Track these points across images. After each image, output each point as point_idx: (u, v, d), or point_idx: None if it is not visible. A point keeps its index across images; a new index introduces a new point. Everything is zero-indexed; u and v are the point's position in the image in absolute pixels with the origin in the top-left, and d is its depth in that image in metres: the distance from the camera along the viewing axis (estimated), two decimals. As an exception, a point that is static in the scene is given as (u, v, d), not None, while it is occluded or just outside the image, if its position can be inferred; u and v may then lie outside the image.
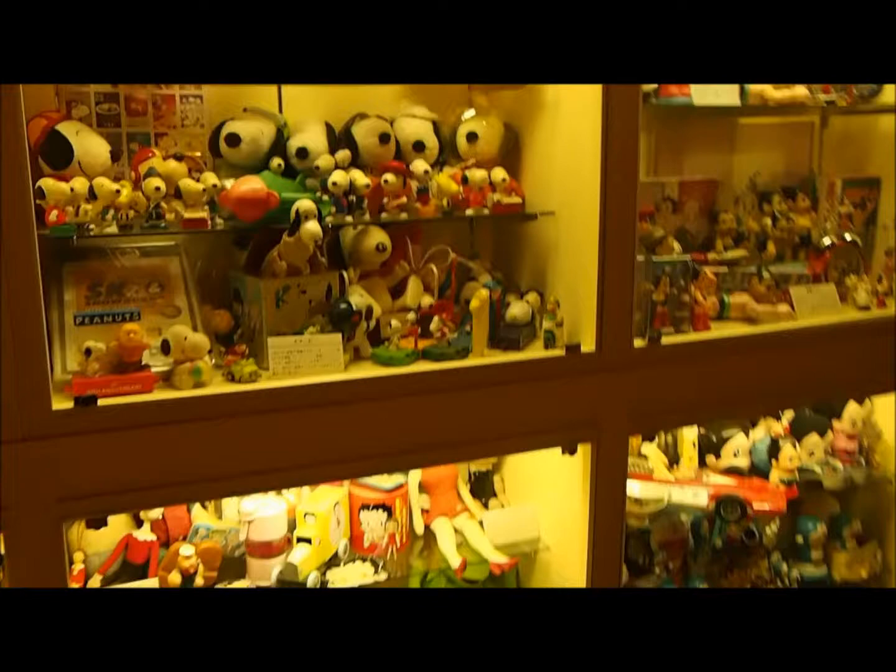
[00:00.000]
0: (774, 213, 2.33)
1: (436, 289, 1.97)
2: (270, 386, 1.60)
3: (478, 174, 1.89)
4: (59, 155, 1.59)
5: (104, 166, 1.64)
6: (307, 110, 1.93)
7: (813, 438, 2.42)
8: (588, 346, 1.85)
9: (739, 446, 2.39)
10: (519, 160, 2.08)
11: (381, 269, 1.90)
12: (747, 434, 2.43)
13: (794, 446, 2.34)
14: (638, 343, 1.89)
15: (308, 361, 1.64)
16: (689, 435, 2.40)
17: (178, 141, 1.83)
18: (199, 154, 1.80)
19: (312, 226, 1.65)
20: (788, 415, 2.49)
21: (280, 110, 1.91)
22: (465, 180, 1.88)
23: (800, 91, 2.22)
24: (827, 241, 2.34)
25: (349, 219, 1.77)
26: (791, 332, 2.09)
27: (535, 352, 1.86)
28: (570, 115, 1.87)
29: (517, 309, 1.91)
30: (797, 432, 2.45)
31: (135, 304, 1.68)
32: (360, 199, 1.77)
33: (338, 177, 1.74)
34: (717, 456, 2.39)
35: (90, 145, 1.63)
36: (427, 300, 1.89)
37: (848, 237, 2.36)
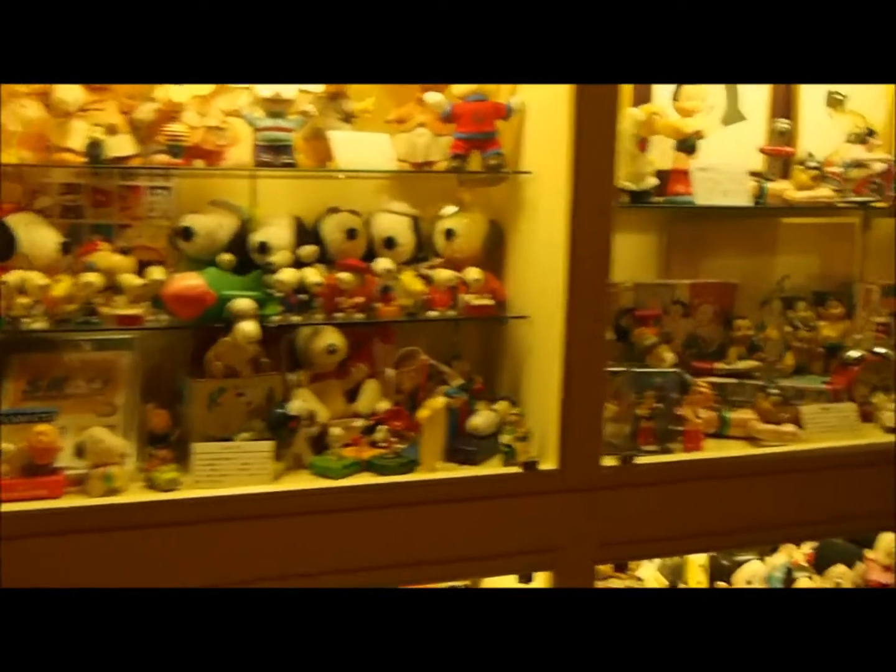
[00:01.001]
0: (793, 322, 2.12)
1: (407, 393, 1.86)
2: (189, 495, 1.52)
3: (443, 274, 1.79)
4: (2, 247, 1.60)
5: (50, 258, 1.63)
6: (281, 204, 1.89)
7: (839, 569, 2.15)
8: (550, 463, 1.69)
9: (754, 574, 2.16)
10: (503, 259, 1.97)
11: (337, 370, 1.82)
12: (763, 559, 2.19)
13: (811, 578, 2.08)
14: (608, 462, 1.72)
15: (234, 470, 1.56)
16: (698, 557, 2.18)
17: (143, 233, 1.82)
18: (161, 246, 1.79)
19: (247, 326, 1.58)
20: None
21: (253, 204, 1.88)
22: (428, 280, 1.79)
23: (823, 192, 2.04)
24: (855, 353, 2.11)
25: (296, 318, 1.69)
26: (797, 455, 1.87)
27: (492, 467, 1.71)
28: (547, 212, 1.76)
29: (480, 419, 1.78)
30: (822, 561, 2.19)
31: (73, 400, 1.64)
32: (311, 297, 1.70)
33: (285, 274, 1.68)
34: (728, 583, 2.15)
35: (38, 237, 1.63)
36: (384, 405, 1.78)
37: (881, 350, 2.12)
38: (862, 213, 2.37)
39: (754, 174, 2.08)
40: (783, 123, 2.08)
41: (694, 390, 1.87)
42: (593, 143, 1.62)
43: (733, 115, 2.21)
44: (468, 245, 1.91)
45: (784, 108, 2.25)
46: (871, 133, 2.12)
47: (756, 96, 2.22)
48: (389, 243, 1.86)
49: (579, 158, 1.62)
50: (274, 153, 1.66)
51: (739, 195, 1.96)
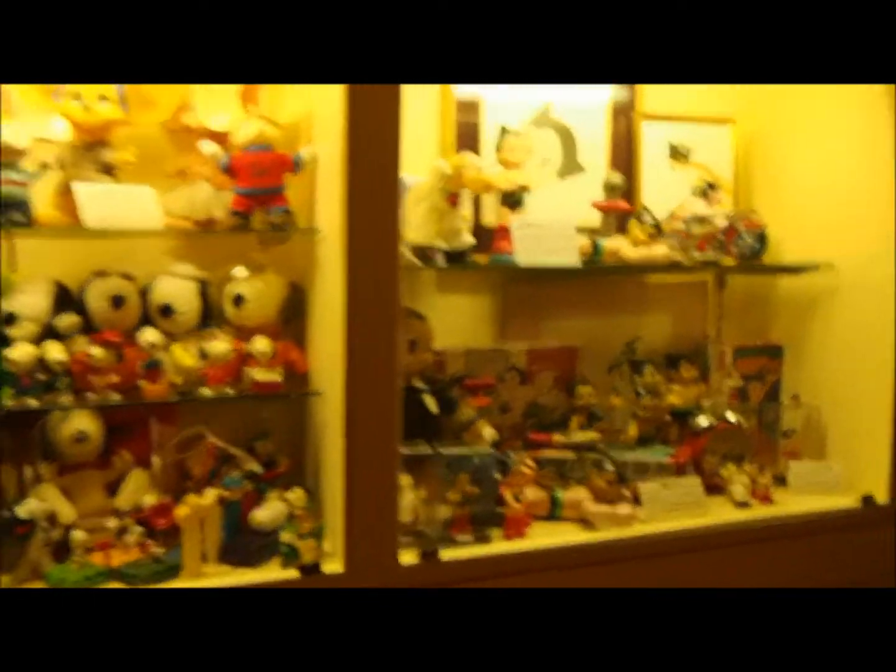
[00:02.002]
0: (636, 388, 1.95)
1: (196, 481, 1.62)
2: None
3: (218, 347, 1.57)
4: None
5: None
6: (46, 267, 1.66)
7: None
8: (336, 564, 1.46)
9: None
10: (305, 326, 1.76)
11: (98, 460, 1.56)
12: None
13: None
14: (406, 559, 1.49)
15: (-62, 587, 1.29)
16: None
17: None
18: None
19: (-40, 414, 1.33)
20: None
21: (11, 266, 1.64)
22: (203, 355, 1.57)
23: (659, 250, 1.88)
24: (703, 422, 1.93)
25: (34, 402, 1.45)
26: (633, 542, 1.67)
27: (271, 571, 1.47)
28: (332, 274, 1.55)
29: (265, 512, 1.55)
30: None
31: None
32: (55, 377, 1.46)
33: (17, 351, 1.43)
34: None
35: None
36: (150, 500, 1.53)
37: (731, 417, 1.95)
38: (715, 271, 2.23)
39: (589, 231, 1.92)
40: (614, 177, 1.93)
41: (514, 470, 1.66)
42: (370, 196, 1.42)
43: (570, 167, 2.06)
44: (261, 311, 1.70)
45: (626, 159, 2.11)
46: (711, 187, 1.98)
47: (595, 147, 2.08)
48: (166, 311, 1.64)
49: (354, 214, 1.42)
50: (3, 209, 1.44)
51: (566, 253, 1.78)
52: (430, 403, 1.83)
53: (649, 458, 1.84)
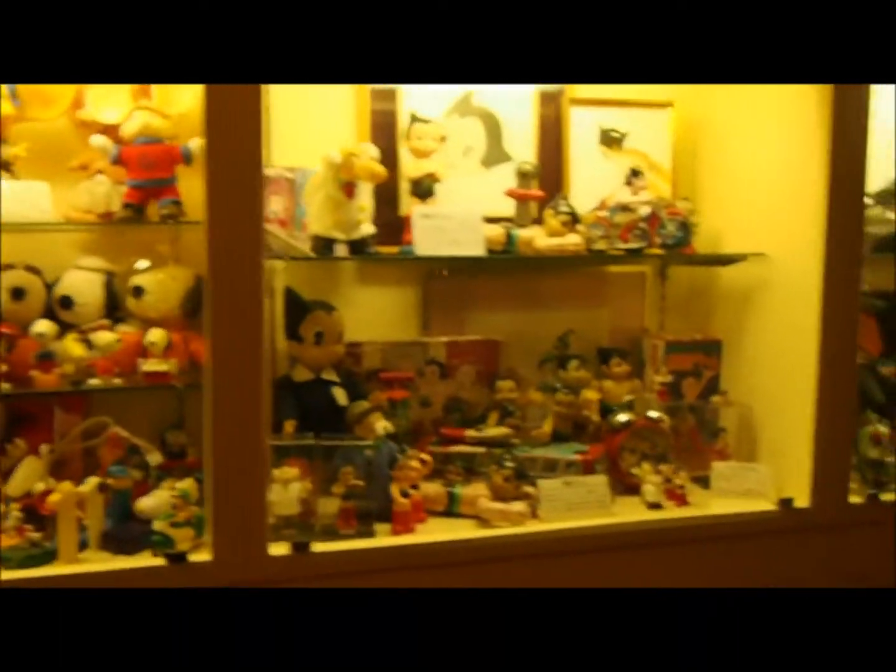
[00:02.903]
0: (553, 384, 1.90)
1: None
2: None
3: (104, 338, 1.59)
4: None
5: None
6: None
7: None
8: (205, 556, 1.47)
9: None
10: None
11: (-8, 448, 1.61)
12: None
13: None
14: (276, 551, 1.49)
15: None
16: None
17: None
18: None
19: None
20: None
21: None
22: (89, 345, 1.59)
23: (572, 240, 1.83)
24: (622, 418, 1.88)
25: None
26: (527, 540, 1.64)
27: (144, 559, 1.49)
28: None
29: (149, 501, 1.57)
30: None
31: None
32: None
33: None
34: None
35: None
36: (40, 487, 1.57)
37: (654, 414, 1.89)
38: (658, 262, 2.16)
39: (503, 220, 1.88)
40: (526, 164, 1.88)
41: (401, 465, 1.64)
42: (230, 187, 1.42)
43: (496, 156, 2.02)
44: (162, 303, 1.72)
45: (555, 146, 2.06)
46: (635, 174, 1.92)
47: (523, 134, 2.03)
48: (65, 302, 1.68)
49: (214, 205, 1.42)
50: None
51: (470, 244, 1.75)
52: (340, 396, 1.83)
53: (559, 455, 1.80)
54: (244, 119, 1.41)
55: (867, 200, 2.21)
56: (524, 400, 1.94)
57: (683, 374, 2.04)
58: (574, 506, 1.70)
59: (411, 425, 1.93)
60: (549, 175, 2.03)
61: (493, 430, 1.86)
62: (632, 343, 2.12)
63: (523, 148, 2.03)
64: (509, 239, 1.84)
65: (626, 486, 1.85)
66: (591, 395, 1.90)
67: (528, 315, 2.09)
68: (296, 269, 1.93)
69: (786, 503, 1.76)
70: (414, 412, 1.95)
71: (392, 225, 1.89)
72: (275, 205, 1.86)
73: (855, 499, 1.80)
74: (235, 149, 1.41)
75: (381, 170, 1.66)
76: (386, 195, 1.90)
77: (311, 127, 1.91)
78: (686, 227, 1.87)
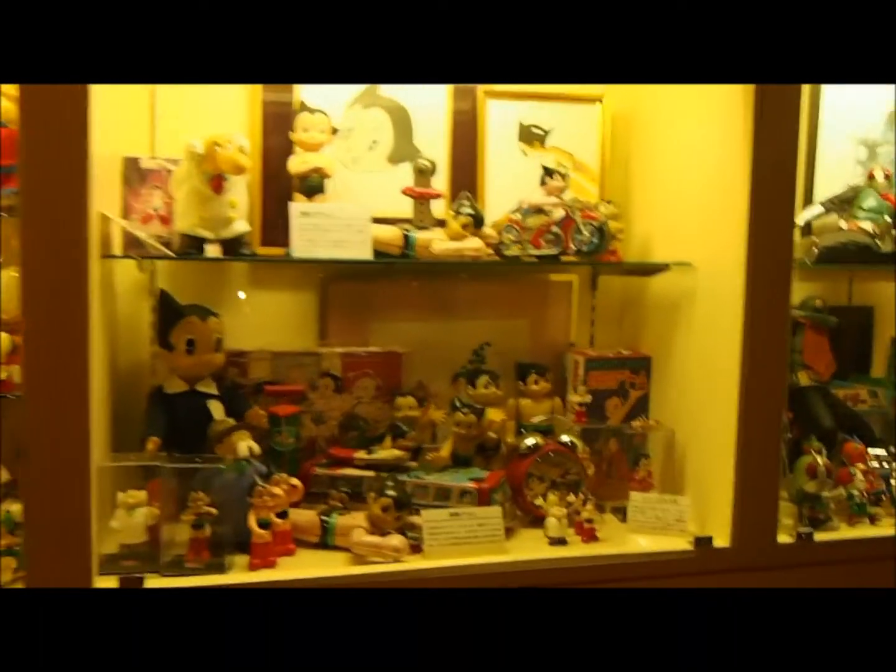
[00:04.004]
0: (454, 402, 1.72)
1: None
2: None
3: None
4: None
5: None
6: None
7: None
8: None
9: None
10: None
11: None
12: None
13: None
14: (103, 585, 1.32)
15: None
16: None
17: None
18: None
19: None
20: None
21: None
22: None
23: (472, 244, 1.65)
24: (530, 441, 1.69)
25: None
26: (403, 579, 1.45)
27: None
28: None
29: (-29, 526, 1.40)
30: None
31: None
32: None
33: None
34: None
35: None
36: None
37: (565, 438, 1.70)
38: (590, 271, 1.98)
39: (402, 221, 1.70)
40: (423, 160, 1.70)
41: (258, 491, 1.46)
42: (57, 174, 1.25)
43: (404, 151, 1.85)
44: (9, 303, 1.55)
45: (469, 142, 1.88)
46: (550, 173, 1.73)
47: (435, 129, 1.86)
48: None
49: (33, 193, 1.25)
50: None
51: (354, 246, 1.58)
52: (216, 410, 1.65)
53: (452, 483, 1.61)
54: (67, 107, 1.25)
55: (820, 208, 2.03)
56: (426, 419, 1.76)
57: (607, 393, 1.85)
58: (461, 540, 1.51)
59: (305, 443, 1.76)
60: (462, 174, 1.86)
61: (384, 453, 1.68)
62: (557, 358, 1.93)
63: (435, 144, 1.85)
64: (407, 241, 1.66)
65: (535, 518, 1.66)
66: (494, 415, 1.72)
67: (443, 325, 1.91)
68: (181, 270, 1.78)
69: (703, 542, 1.56)
70: (307, 429, 1.77)
71: (285, 224, 1.72)
72: (156, 199, 1.72)
73: (785, 538, 1.59)
74: (55, 137, 1.24)
75: (245, 162, 1.49)
76: (278, 192, 1.74)
77: (201, 117, 1.75)
78: (602, 233, 1.68)
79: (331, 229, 1.57)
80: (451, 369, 1.86)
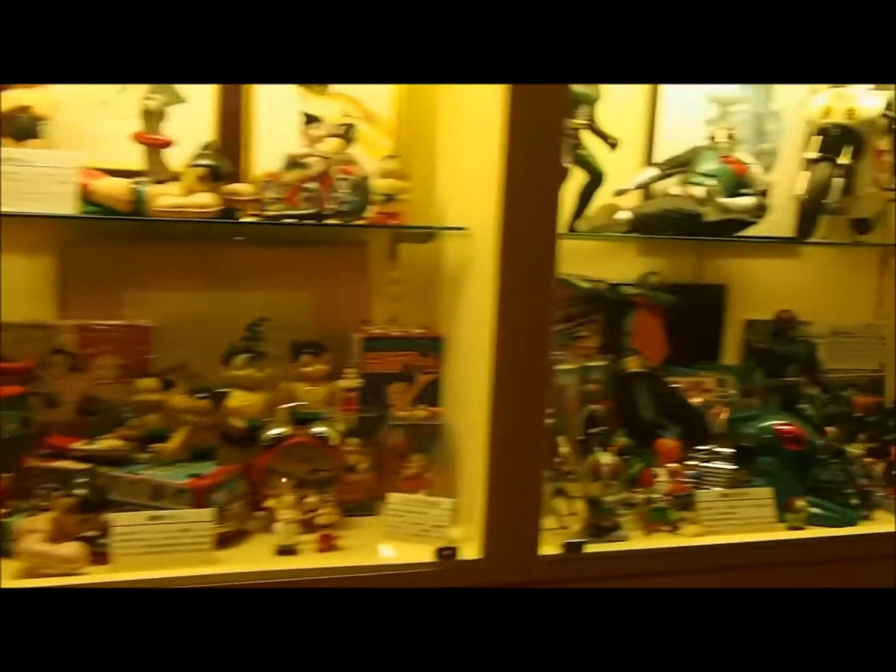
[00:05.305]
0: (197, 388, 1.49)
1: None
2: None
3: None
4: None
5: None
6: None
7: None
8: None
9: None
10: None
11: None
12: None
13: None
14: None
15: None
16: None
17: None
18: None
19: None
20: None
21: None
22: None
23: (199, 199, 1.42)
24: (275, 432, 1.46)
25: None
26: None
27: None
28: None
29: None
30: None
31: None
32: None
33: None
34: None
35: None
36: None
37: (318, 430, 1.47)
38: (388, 237, 1.74)
39: (133, 173, 1.47)
40: (152, 101, 1.45)
41: None
42: None
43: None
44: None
45: (236, 87, 1.64)
46: (311, 119, 1.49)
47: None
48: None
49: None
50: None
51: (53, 199, 1.34)
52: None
53: (171, 480, 1.38)
54: None
55: (655, 170, 1.79)
56: (171, 405, 1.53)
57: (389, 377, 1.61)
58: (156, 549, 1.29)
59: (37, 429, 1.53)
60: (227, 122, 1.62)
61: (102, 443, 1.45)
62: (349, 336, 1.69)
63: (197, 88, 1.61)
64: (137, 197, 1.43)
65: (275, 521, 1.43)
66: (234, 401, 1.49)
67: (214, 296, 1.68)
68: None
69: (446, 553, 1.33)
70: (37, 413, 1.55)
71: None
72: None
73: (549, 550, 1.36)
74: None
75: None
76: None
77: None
78: (361, 190, 1.44)
79: (33, 180, 1.34)
80: (223, 348, 1.63)
